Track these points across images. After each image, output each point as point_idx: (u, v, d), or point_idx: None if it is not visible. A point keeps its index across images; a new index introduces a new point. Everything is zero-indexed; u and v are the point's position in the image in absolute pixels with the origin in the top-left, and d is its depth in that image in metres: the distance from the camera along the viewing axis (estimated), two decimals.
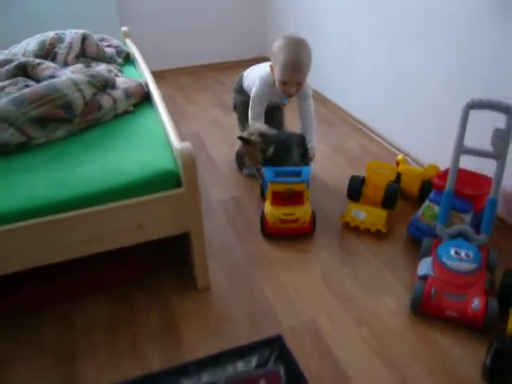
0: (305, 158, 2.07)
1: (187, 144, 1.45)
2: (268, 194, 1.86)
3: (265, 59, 2.27)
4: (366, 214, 1.89)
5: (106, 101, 1.82)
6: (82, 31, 2.32)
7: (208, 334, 1.52)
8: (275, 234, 1.86)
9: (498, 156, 1.60)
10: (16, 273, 1.42)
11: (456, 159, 1.65)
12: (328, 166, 2.39)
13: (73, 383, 1.38)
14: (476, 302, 1.46)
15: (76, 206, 1.42)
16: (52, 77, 1.82)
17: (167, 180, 1.50)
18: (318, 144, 2.24)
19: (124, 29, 2.83)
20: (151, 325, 1.55)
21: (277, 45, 1.96)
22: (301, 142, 2.06)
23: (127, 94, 1.91)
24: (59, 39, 2.27)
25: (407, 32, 2.29)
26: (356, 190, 1.97)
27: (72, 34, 2.30)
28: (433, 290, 1.50)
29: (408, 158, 2.26)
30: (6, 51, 2.29)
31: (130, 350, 1.47)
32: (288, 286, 1.67)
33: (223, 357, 1.42)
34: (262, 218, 1.87)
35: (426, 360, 1.40)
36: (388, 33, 2.44)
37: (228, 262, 1.80)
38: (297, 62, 1.92)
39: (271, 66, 2.02)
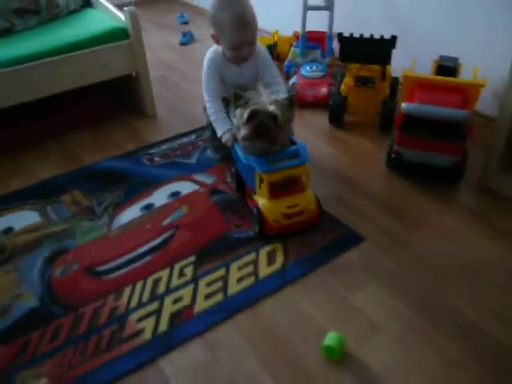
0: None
1: (132, 7, 2.24)
2: (263, 189, 1.54)
3: None
4: None
5: (61, 1, 2.54)
6: None
7: (161, 132, 2.32)
8: (279, 233, 1.57)
9: (329, 8, 2.54)
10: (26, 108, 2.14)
11: (304, 14, 2.58)
12: None
13: (75, 161, 2.12)
14: (323, 90, 2.41)
15: (64, 52, 2.15)
16: None
17: (120, 33, 2.27)
18: None
19: None
20: (122, 135, 2.32)
21: (213, 5, 1.67)
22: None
23: None
24: None
25: None
26: None
27: None
28: (298, 88, 2.43)
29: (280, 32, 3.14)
30: None
31: (111, 144, 2.24)
32: None
33: (175, 137, 2.26)
34: (260, 218, 1.55)
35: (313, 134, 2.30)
36: None
37: (167, 105, 2.60)
38: (242, 16, 1.60)
39: (213, 35, 1.73)
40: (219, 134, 1.76)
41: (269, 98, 1.51)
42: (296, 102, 2.08)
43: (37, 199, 1.90)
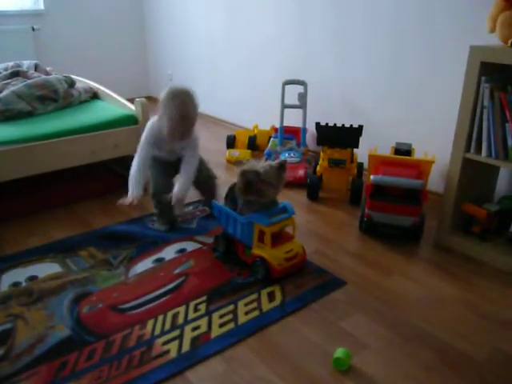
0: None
1: (142, 99, 2.68)
2: (266, 240, 1.86)
3: (149, 97, 3.35)
4: (239, 153, 3.23)
5: (74, 92, 2.96)
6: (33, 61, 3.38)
7: None
8: (282, 275, 1.89)
9: (302, 106, 3.08)
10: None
11: (282, 111, 3.10)
12: (209, 142, 3.72)
13: (86, 225, 2.40)
14: (301, 172, 2.85)
15: (82, 132, 2.53)
16: (39, 77, 2.91)
17: (130, 119, 2.68)
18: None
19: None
20: (127, 205, 2.63)
21: (165, 97, 2.03)
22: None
23: (85, 90, 3.06)
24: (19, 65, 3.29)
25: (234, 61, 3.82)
26: (231, 141, 3.33)
27: (27, 63, 3.35)
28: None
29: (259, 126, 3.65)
30: None
31: (118, 213, 2.53)
32: None
33: None
34: (265, 265, 1.86)
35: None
36: (242, 57, 3.95)
37: None
38: (185, 115, 2.01)
39: (160, 115, 2.08)
40: (129, 191, 2.12)
41: (263, 163, 1.89)
42: None
43: (55, 254, 2.14)
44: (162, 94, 2.06)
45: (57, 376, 1.46)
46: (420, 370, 1.48)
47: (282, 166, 1.92)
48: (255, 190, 1.87)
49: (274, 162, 1.92)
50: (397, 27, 2.71)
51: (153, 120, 2.16)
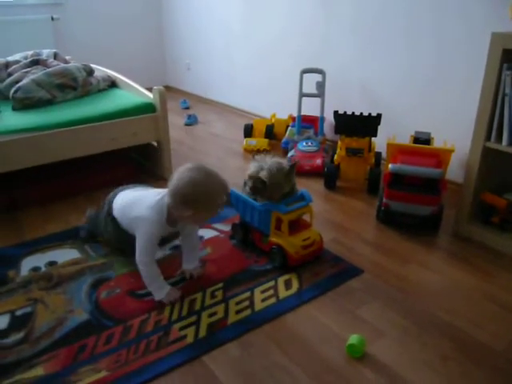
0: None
1: (160, 87, 2.68)
2: (283, 228, 1.87)
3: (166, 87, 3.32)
4: (256, 142, 3.23)
5: (93, 80, 2.98)
6: (53, 50, 3.41)
7: None
8: (299, 263, 1.89)
9: (320, 95, 3.06)
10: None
11: (299, 100, 3.08)
12: (226, 131, 3.72)
13: None
14: (318, 161, 2.84)
15: (100, 120, 2.54)
16: (58, 65, 2.94)
17: (148, 107, 2.69)
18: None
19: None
20: None
21: (194, 187, 1.62)
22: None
23: (103, 78, 3.08)
24: (38, 53, 3.31)
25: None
26: (248, 130, 3.32)
27: (46, 51, 3.37)
28: (297, 159, 2.85)
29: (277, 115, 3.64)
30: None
31: None
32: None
33: None
34: (282, 253, 1.86)
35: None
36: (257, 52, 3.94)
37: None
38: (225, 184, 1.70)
39: (179, 204, 1.64)
40: (159, 298, 1.74)
41: (272, 163, 1.89)
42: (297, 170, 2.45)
43: (74, 240, 2.17)
44: (183, 188, 1.63)
45: (76, 359, 1.48)
46: (437, 359, 1.47)
47: (291, 170, 1.92)
48: (262, 195, 1.93)
49: (284, 165, 1.91)
50: (413, 14, 2.67)
51: (151, 216, 1.73)
